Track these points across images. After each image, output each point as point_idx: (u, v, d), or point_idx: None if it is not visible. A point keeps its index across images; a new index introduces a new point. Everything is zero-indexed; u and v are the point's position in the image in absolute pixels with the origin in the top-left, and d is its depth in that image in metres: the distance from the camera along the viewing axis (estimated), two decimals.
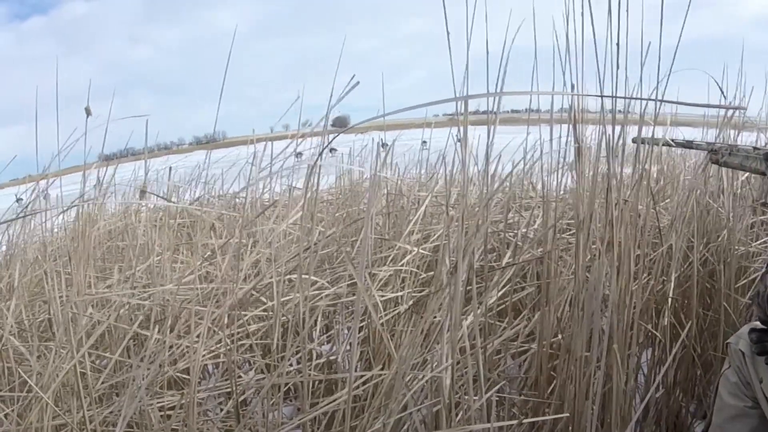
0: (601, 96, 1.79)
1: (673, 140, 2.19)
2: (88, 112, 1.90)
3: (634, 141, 2.11)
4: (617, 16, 1.69)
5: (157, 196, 2.78)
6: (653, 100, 1.85)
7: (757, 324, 1.43)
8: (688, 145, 2.15)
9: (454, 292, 1.38)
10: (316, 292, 1.82)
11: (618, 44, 1.70)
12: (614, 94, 1.77)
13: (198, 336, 1.57)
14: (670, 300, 2.03)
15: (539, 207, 2.29)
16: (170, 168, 3.05)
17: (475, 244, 1.50)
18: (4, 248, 3.00)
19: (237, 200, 3.16)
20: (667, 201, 2.78)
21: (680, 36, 1.75)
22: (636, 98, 1.85)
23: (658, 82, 1.81)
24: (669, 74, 1.77)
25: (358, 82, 1.56)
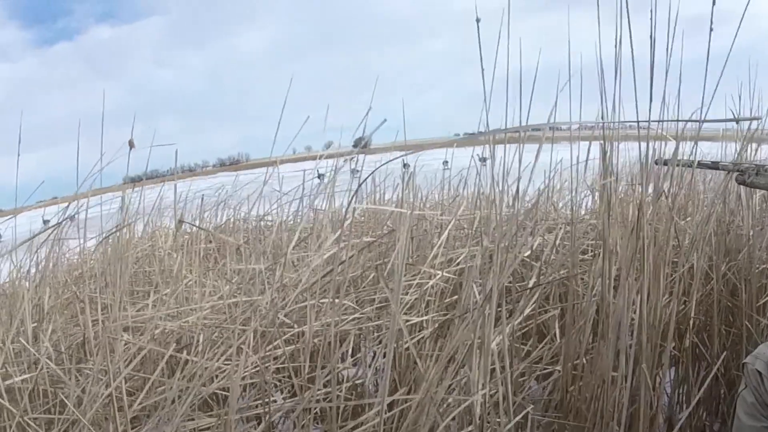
0: (637, 122, 1.82)
1: (699, 162, 2.18)
2: (131, 144, 1.95)
3: (657, 163, 2.10)
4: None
5: (193, 225, 2.81)
6: (677, 121, 1.88)
7: None
8: (714, 166, 2.13)
9: (485, 319, 1.41)
10: (344, 316, 1.85)
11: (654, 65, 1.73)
12: (648, 119, 1.81)
13: (233, 357, 1.60)
14: (692, 321, 2.04)
15: (562, 228, 2.30)
16: (202, 197, 3.10)
17: (506, 274, 1.53)
18: (33, 270, 3.06)
19: (262, 223, 3.20)
20: (688, 219, 2.79)
21: (730, 49, 1.79)
22: (657, 120, 1.88)
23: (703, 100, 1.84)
24: (715, 90, 1.80)
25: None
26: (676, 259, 2.15)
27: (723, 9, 1.80)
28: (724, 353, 2.15)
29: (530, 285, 1.91)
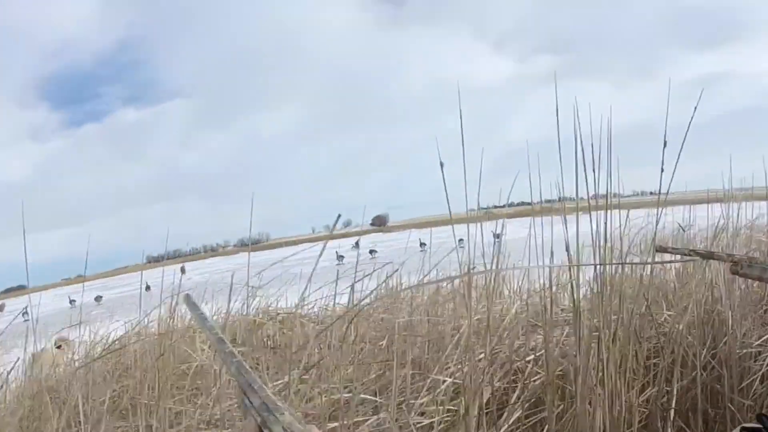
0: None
1: (694, 251, 2.32)
2: (183, 270, 2.15)
3: (658, 249, 2.27)
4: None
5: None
6: None
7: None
8: (709, 255, 2.21)
9: None
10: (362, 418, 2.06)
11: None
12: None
13: None
14: (673, 411, 2.23)
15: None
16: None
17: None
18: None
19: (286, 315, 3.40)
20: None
21: None
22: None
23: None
24: None
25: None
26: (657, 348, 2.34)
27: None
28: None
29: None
